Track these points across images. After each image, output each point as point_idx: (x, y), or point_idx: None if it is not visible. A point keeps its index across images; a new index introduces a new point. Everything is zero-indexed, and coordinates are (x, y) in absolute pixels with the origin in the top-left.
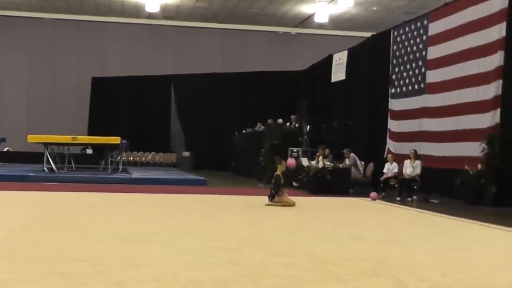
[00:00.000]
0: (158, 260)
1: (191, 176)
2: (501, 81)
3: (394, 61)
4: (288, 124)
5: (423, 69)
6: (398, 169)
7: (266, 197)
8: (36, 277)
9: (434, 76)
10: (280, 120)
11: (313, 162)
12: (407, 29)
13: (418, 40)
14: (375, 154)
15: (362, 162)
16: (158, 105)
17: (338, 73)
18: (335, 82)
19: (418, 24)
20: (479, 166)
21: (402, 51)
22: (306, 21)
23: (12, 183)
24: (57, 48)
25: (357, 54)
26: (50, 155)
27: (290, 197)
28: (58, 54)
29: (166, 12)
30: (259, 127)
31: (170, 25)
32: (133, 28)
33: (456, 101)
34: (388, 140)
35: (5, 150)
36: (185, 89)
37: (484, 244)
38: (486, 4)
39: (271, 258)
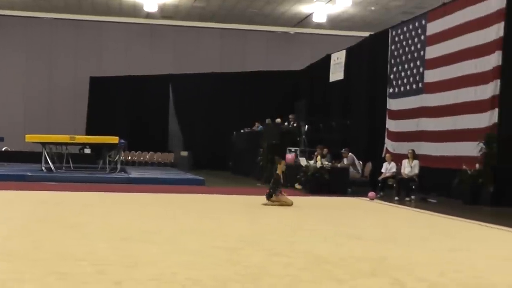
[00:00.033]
0: (158, 259)
1: (190, 176)
2: (498, 81)
3: (392, 61)
4: (286, 123)
5: (421, 69)
6: (396, 169)
7: (264, 197)
8: (36, 276)
9: (432, 76)
10: (278, 120)
11: (311, 162)
12: (405, 29)
13: (416, 40)
14: (373, 154)
15: (360, 162)
16: (156, 105)
17: (336, 73)
18: (333, 82)
19: (416, 24)
20: (477, 165)
21: (400, 51)
22: (304, 20)
23: (10, 183)
24: (54, 47)
25: (355, 53)
26: (48, 155)
27: (289, 197)
28: (56, 54)
29: (164, 12)
30: (257, 126)
31: (168, 25)
32: (131, 28)
33: (454, 101)
34: (386, 139)
35: (3, 149)
36: (183, 88)
37: (482, 243)
38: (483, 4)
39: (271, 257)
